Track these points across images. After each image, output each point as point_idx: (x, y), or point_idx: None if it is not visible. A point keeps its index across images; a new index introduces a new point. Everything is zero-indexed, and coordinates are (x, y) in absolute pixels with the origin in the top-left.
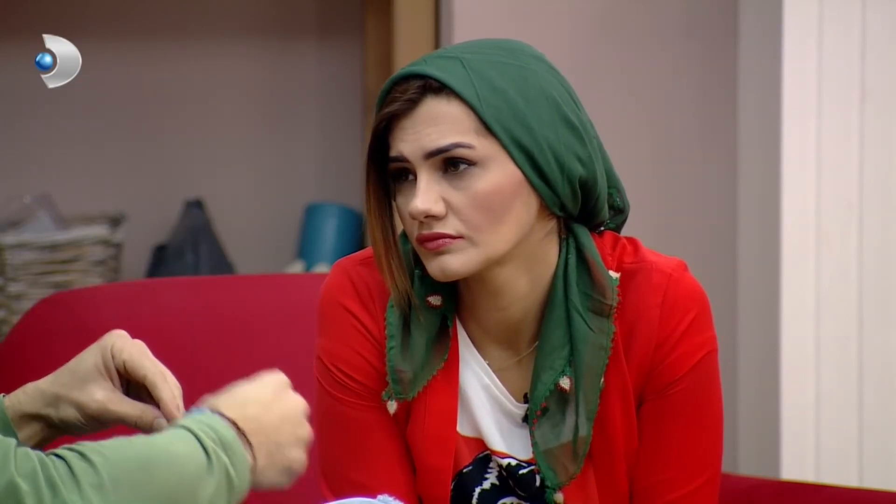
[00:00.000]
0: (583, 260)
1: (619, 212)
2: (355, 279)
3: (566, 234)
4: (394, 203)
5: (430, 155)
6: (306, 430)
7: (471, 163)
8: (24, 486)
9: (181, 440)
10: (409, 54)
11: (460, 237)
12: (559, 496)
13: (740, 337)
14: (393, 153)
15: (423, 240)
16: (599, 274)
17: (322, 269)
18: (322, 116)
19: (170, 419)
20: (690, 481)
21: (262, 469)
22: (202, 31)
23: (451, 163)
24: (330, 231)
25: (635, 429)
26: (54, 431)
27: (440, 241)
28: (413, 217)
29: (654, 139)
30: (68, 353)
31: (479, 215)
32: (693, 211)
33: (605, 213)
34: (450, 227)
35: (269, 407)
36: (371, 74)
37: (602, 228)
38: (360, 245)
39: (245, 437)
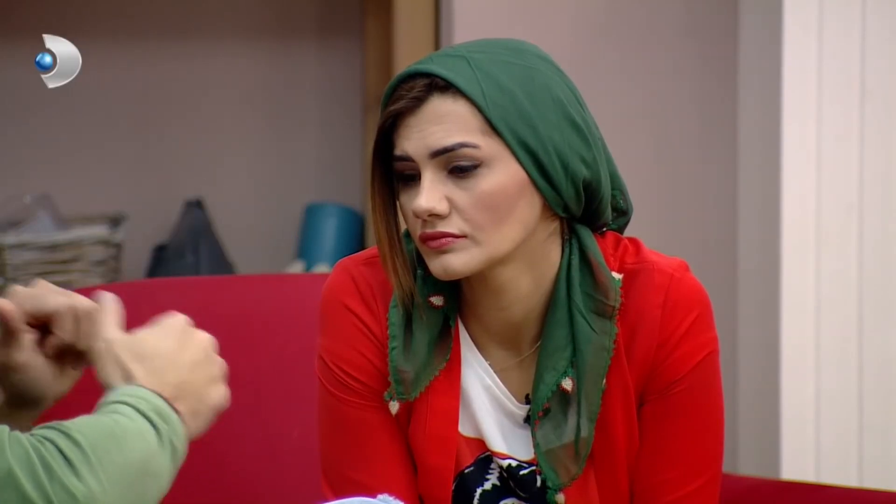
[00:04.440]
0: (585, 261)
1: (623, 213)
2: (357, 279)
3: (569, 234)
4: (398, 202)
5: (436, 154)
6: (217, 365)
7: (476, 163)
8: (20, 472)
9: (131, 416)
10: (409, 54)
11: (463, 236)
12: (560, 497)
13: (740, 337)
14: (398, 152)
15: (427, 238)
16: (602, 275)
17: (322, 269)
18: (322, 116)
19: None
20: (691, 482)
21: (190, 426)
22: (202, 31)
23: (455, 162)
24: (330, 231)
25: (636, 430)
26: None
27: (443, 241)
28: (417, 215)
29: (654, 139)
30: None
31: (483, 215)
32: (693, 211)
33: (609, 214)
34: (453, 226)
35: (178, 362)
36: (371, 74)
37: (605, 229)
38: (361, 245)
39: (170, 404)
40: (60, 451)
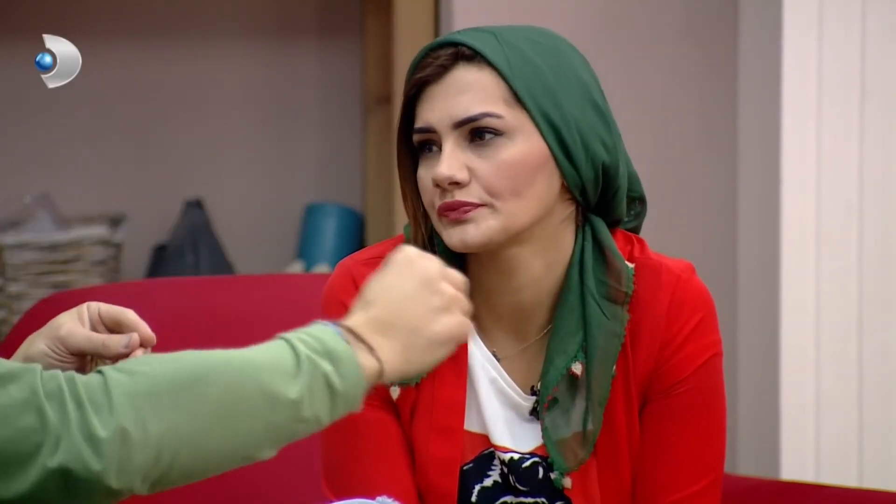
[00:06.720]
0: (598, 247)
1: (636, 216)
2: (357, 278)
3: (582, 222)
4: (417, 176)
5: (459, 124)
6: (442, 295)
7: (498, 133)
8: (48, 405)
9: (266, 349)
10: (409, 54)
11: (482, 205)
12: (567, 480)
13: (740, 337)
14: (419, 124)
15: (445, 209)
16: (615, 262)
17: (322, 269)
18: (322, 116)
19: (143, 338)
20: (693, 483)
21: (397, 364)
22: (202, 32)
23: (477, 133)
24: (330, 231)
25: (636, 421)
26: None
27: (462, 210)
28: (437, 183)
29: (654, 139)
30: None
31: (502, 183)
32: (693, 211)
33: (622, 210)
34: (472, 195)
35: (390, 296)
36: (371, 74)
37: (619, 227)
38: (360, 245)
39: (365, 341)
40: (105, 384)
